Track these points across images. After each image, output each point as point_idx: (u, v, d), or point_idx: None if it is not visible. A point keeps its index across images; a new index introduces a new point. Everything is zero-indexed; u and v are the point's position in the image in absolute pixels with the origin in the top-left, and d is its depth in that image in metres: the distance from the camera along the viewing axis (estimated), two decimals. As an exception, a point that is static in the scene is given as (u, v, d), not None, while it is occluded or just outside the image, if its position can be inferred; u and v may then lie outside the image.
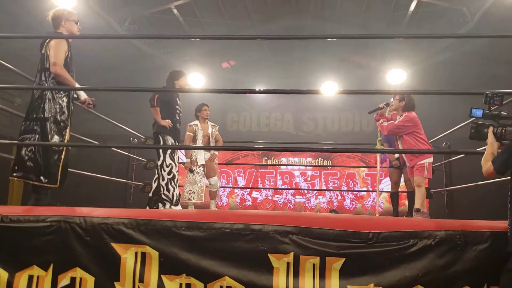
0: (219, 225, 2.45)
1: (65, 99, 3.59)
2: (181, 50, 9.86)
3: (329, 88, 9.41)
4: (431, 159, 4.64)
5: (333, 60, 10.01)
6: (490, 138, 2.41)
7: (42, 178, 3.38)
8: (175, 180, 4.73)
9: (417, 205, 4.55)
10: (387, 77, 9.18)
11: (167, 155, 4.69)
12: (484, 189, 5.51)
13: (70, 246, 2.50)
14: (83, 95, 3.74)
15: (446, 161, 6.89)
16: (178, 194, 4.76)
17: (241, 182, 10.99)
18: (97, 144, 5.71)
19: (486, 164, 2.31)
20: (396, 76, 9.06)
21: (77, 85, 3.64)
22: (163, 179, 4.67)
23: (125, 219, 2.52)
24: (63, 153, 3.52)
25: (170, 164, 4.68)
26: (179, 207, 4.69)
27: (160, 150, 4.76)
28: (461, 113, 6.12)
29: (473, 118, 2.64)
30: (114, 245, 2.45)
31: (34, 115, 3.50)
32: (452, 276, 2.36)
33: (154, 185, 4.76)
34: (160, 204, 4.64)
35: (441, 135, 6.19)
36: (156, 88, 4.78)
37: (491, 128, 2.46)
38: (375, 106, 5.23)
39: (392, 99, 5.04)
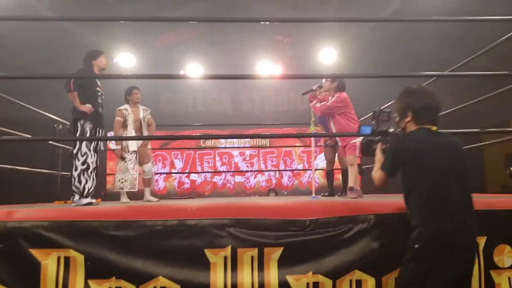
0: (151, 223, 2.31)
1: None
2: (109, 29, 9.30)
3: (264, 68, 9.41)
4: (361, 138, 4.74)
5: (267, 40, 9.94)
6: (378, 154, 2.47)
7: None
8: (89, 171, 4.32)
9: (350, 183, 4.69)
10: (319, 56, 9.30)
11: (84, 144, 4.31)
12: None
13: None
14: None
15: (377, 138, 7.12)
16: (90, 187, 4.34)
17: (178, 164, 10.77)
18: (29, 137, 5.25)
19: (376, 174, 2.35)
20: (328, 55, 9.22)
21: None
22: (75, 169, 4.28)
23: (44, 221, 2.30)
24: None
25: (86, 153, 4.29)
26: (88, 199, 4.33)
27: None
28: (390, 90, 6.31)
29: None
30: (32, 251, 2.22)
31: None
32: (388, 258, 2.39)
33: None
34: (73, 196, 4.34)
35: (371, 113, 6.34)
36: (81, 74, 4.42)
37: (379, 145, 2.52)
38: (308, 86, 5.25)
39: (324, 81, 5.09)
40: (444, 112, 4.77)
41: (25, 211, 2.42)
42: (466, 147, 4.50)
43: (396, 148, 2.23)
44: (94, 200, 4.37)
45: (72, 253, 2.23)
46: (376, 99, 6.68)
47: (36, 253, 2.21)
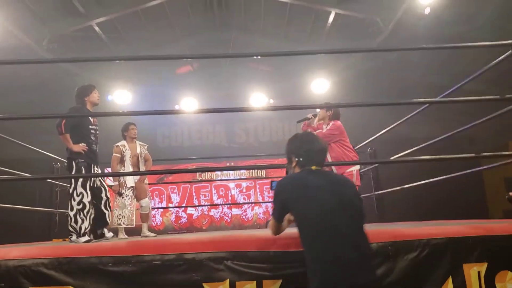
0: (149, 258, 2.32)
1: None
2: (105, 67, 9.50)
3: (258, 99, 9.54)
4: (358, 166, 4.78)
5: (260, 71, 10.15)
6: None
7: None
8: (85, 211, 4.29)
9: None
10: (311, 86, 9.48)
11: (79, 184, 4.28)
12: (410, 191, 5.77)
13: (-18, 295, 2.25)
14: None
15: (372, 166, 7.17)
16: (87, 227, 4.30)
17: (175, 199, 10.74)
18: (26, 176, 5.28)
19: (270, 224, 2.42)
20: (320, 85, 9.40)
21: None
22: (71, 209, 4.26)
23: (45, 259, 2.32)
24: None
25: (81, 193, 4.27)
26: (86, 237, 4.29)
27: (72, 178, 4.37)
28: (382, 118, 6.44)
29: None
30: (33, 290, 2.24)
31: None
32: (387, 286, 2.40)
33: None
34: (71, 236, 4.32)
35: (366, 141, 6.43)
36: (75, 113, 4.46)
37: None
38: (302, 115, 5.32)
39: (318, 110, 5.15)
40: (438, 139, 4.89)
41: (25, 249, 2.44)
42: (464, 172, 4.57)
43: (277, 192, 2.28)
44: (91, 237, 4.36)
45: (72, 291, 2.25)
46: (368, 127, 6.81)
47: (36, 292, 2.23)
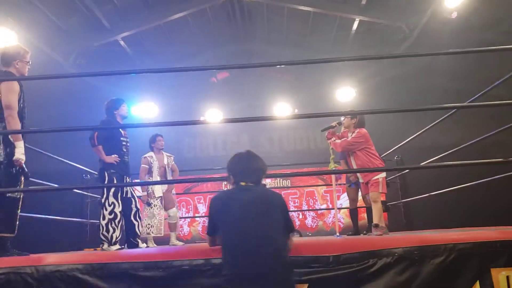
0: (178, 263, 2.39)
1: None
2: (131, 80, 9.74)
3: (282, 109, 9.58)
4: (384, 174, 4.74)
5: (284, 81, 10.20)
6: None
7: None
8: (117, 220, 4.41)
9: (375, 220, 4.60)
10: (336, 95, 9.45)
11: (111, 194, 4.41)
12: (438, 199, 5.70)
13: (22, 299, 2.35)
14: (17, 153, 3.39)
15: (399, 174, 7.10)
16: (118, 236, 4.42)
17: (201, 209, 10.84)
18: (56, 186, 5.47)
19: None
20: (345, 94, 9.35)
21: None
22: (103, 218, 4.38)
23: (79, 264, 2.41)
24: (20, 200, 3.37)
25: (113, 203, 4.39)
26: (117, 246, 4.39)
27: (104, 188, 4.50)
28: (409, 126, 6.39)
29: None
30: (68, 294, 2.33)
31: None
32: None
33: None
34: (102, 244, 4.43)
35: (393, 149, 6.39)
36: (105, 125, 4.61)
37: None
38: (327, 123, 5.33)
39: (343, 118, 5.15)
40: (467, 144, 4.82)
41: (61, 256, 2.54)
42: (494, 177, 4.49)
43: (209, 206, 2.42)
44: (124, 246, 4.48)
45: (105, 295, 2.33)
46: (394, 135, 6.75)
47: (72, 295, 2.32)
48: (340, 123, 5.21)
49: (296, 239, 2.71)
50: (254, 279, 2.07)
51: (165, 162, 5.60)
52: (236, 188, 2.44)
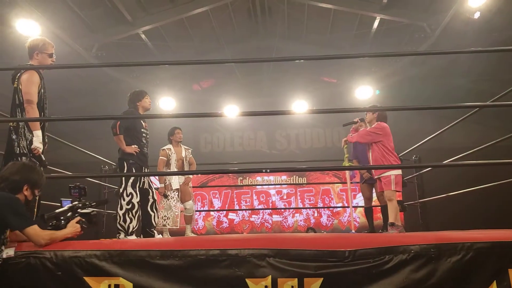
0: (195, 252, 2.41)
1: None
2: (151, 74, 9.84)
3: (300, 106, 9.56)
4: (397, 172, 4.59)
5: (303, 78, 10.18)
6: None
7: None
8: (134, 211, 4.42)
9: (391, 219, 4.54)
10: (355, 93, 9.39)
11: (129, 184, 4.42)
12: (455, 199, 5.63)
13: (41, 282, 2.40)
14: (35, 142, 3.50)
15: (417, 173, 7.02)
16: (135, 226, 4.43)
17: (217, 204, 10.91)
18: (70, 174, 5.57)
19: None
20: (364, 92, 9.29)
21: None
22: (121, 208, 4.40)
23: (97, 251, 2.45)
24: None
25: (131, 193, 4.40)
26: (133, 237, 4.41)
27: (123, 178, 4.51)
28: (428, 125, 6.33)
29: None
30: (86, 278, 2.36)
31: (10, 151, 3.49)
32: (430, 288, 2.37)
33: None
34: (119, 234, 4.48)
35: (411, 148, 6.33)
36: (127, 115, 4.67)
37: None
38: (347, 120, 5.30)
39: (366, 114, 5.09)
40: (487, 144, 4.75)
41: (79, 242, 2.59)
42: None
43: None
44: (140, 237, 4.53)
45: (122, 281, 2.36)
46: (413, 135, 6.68)
47: (90, 280, 2.35)
48: (362, 119, 5.17)
49: (312, 234, 2.70)
50: None
51: (183, 155, 5.65)
52: None
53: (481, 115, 5.36)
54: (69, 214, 2.76)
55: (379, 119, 4.83)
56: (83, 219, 2.78)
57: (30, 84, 3.52)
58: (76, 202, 2.86)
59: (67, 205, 2.83)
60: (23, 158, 3.48)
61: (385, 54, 5.15)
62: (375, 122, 4.86)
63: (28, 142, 3.51)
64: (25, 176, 2.64)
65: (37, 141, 3.51)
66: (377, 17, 8.46)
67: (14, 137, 3.52)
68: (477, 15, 7.17)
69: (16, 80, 3.61)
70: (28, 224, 2.46)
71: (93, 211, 2.87)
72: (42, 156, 3.58)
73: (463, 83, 8.55)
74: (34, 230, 2.47)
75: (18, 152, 3.49)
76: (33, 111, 3.51)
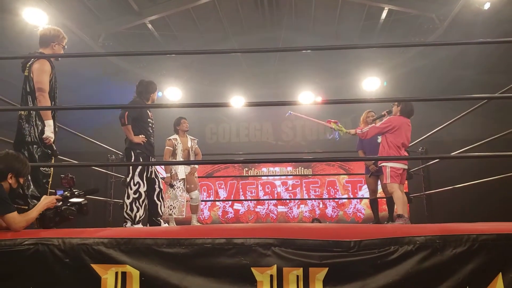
0: (201, 241, 2.42)
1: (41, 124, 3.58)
2: (157, 64, 9.84)
3: (307, 98, 9.53)
4: (394, 164, 4.55)
5: (309, 70, 10.13)
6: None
7: (30, 202, 3.33)
8: (141, 200, 4.46)
9: (399, 210, 4.50)
10: (362, 84, 9.34)
11: (136, 173, 4.45)
12: (461, 191, 5.61)
13: (49, 269, 2.43)
14: (47, 131, 3.55)
15: (423, 165, 7.00)
16: (141, 215, 4.49)
17: (222, 194, 10.95)
18: (76, 163, 5.61)
19: None
20: (372, 83, 9.23)
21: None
22: (128, 197, 4.45)
23: (104, 238, 2.47)
24: (51, 176, 3.49)
25: (138, 182, 4.44)
26: (140, 225, 4.45)
27: (130, 167, 4.56)
28: (435, 117, 6.28)
29: None
30: (94, 266, 2.39)
31: (21, 140, 3.54)
32: (434, 280, 2.38)
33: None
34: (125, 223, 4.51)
35: (417, 140, 6.30)
36: (135, 105, 4.70)
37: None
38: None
39: (392, 106, 5.00)
40: (494, 137, 4.73)
41: (87, 230, 2.62)
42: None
43: None
44: (146, 226, 4.57)
45: (128, 268, 2.38)
46: (421, 127, 6.64)
47: (97, 268, 2.38)
48: (390, 112, 5.11)
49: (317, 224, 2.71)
50: None
51: (189, 145, 5.67)
52: None
53: (489, 107, 5.31)
54: (59, 203, 2.83)
55: (402, 114, 4.78)
56: (72, 208, 2.86)
57: (42, 73, 3.54)
58: (65, 192, 2.92)
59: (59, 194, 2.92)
60: (34, 146, 3.51)
61: (393, 44, 5.12)
62: (398, 115, 4.82)
63: (39, 131, 3.54)
64: (9, 165, 2.70)
65: (49, 131, 3.54)
66: (385, 8, 8.39)
67: (26, 126, 3.54)
68: (487, 6, 7.10)
69: (27, 68, 3.62)
70: (10, 210, 2.56)
71: (83, 200, 2.92)
72: (53, 145, 3.61)
73: (471, 75, 8.47)
74: (13, 217, 2.57)
75: (29, 140, 3.52)
76: (45, 100, 3.53)
